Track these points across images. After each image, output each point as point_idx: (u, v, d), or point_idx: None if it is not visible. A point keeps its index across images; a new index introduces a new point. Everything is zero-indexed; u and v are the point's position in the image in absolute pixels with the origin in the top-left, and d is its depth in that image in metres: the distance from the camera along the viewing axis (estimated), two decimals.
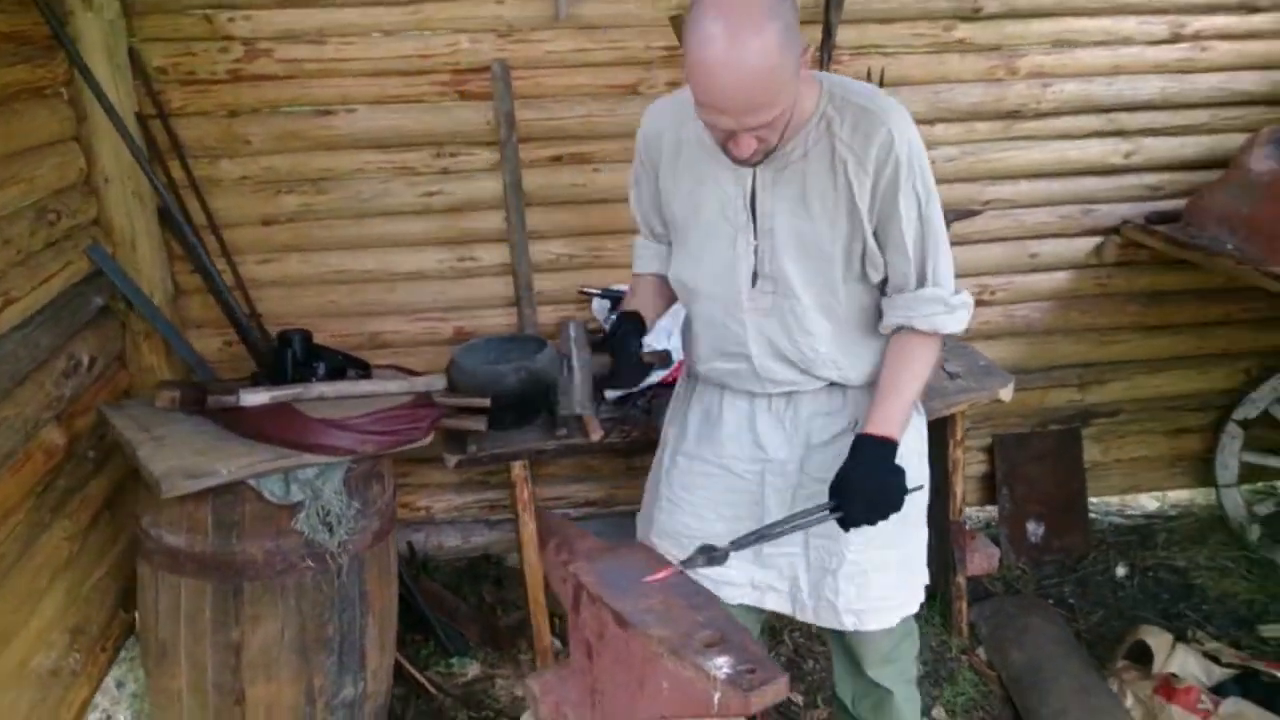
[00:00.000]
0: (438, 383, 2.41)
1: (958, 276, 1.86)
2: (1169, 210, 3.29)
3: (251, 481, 2.18)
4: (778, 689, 1.51)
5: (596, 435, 2.66)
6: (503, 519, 3.38)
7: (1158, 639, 2.84)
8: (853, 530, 1.89)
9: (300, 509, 2.20)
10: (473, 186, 3.00)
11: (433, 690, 2.94)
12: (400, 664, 2.85)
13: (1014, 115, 3.14)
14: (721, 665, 1.53)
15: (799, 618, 2.04)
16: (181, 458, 2.17)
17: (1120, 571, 3.43)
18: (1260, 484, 3.74)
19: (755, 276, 1.86)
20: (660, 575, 1.74)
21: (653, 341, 2.87)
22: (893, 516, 1.88)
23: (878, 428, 1.81)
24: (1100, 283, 3.41)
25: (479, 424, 2.41)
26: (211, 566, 2.25)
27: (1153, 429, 3.63)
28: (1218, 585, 3.33)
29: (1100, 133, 3.21)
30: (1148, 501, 3.84)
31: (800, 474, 1.98)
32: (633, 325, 2.00)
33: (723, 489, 2.02)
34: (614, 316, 2.09)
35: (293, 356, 2.39)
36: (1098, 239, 3.36)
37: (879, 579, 1.97)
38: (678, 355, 2.86)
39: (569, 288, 3.09)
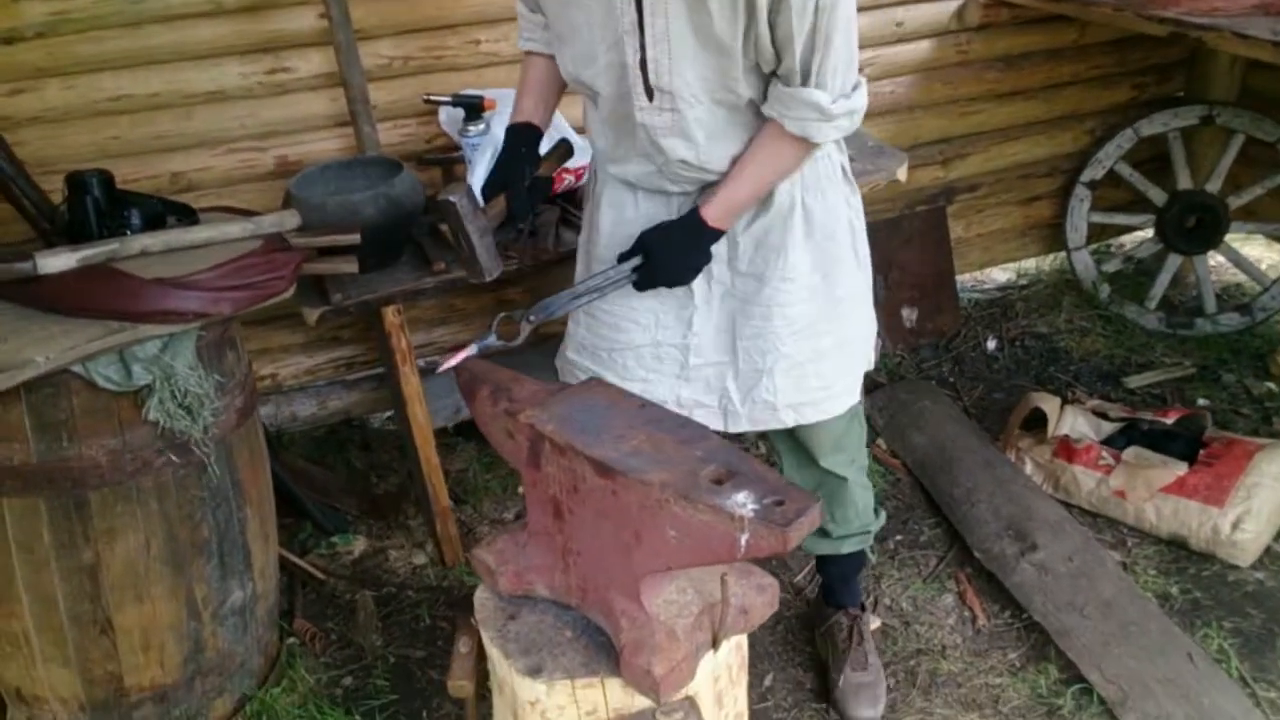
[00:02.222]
0: (289, 221, 1.96)
1: None
2: None
3: (77, 368, 1.71)
4: (813, 518, 1.32)
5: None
6: (361, 377, 2.99)
7: (1049, 404, 2.89)
8: (781, 321, 1.85)
9: (150, 394, 1.76)
10: None
11: (320, 575, 2.62)
12: (279, 554, 2.49)
13: None
14: (744, 502, 1.32)
15: (731, 429, 1.94)
16: None
17: (990, 345, 3.48)
18: (1105, 242, 3.87)
19: (650, 91, 1.68)
20: (452, 361, 1.62)
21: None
22: (823, 300, 1.87)
23: (712, 215, 1.74)
24: (961, 49, 3.28)
25: (350, 265, 2.01)
26: (41, 480, 1.79)
27: (1007, 200, 3.64)
28: (1080, 345, 3.45)
29: None
30: (999, 274, 3.91)
31: (729, 269, 1.86)
32: (521, 147, 1.82)
33: (643, 294, 1.84)
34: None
35: (94, 206, 1.86)
36: (959, 1, 3.20)
37: (815, 369, 1.90)
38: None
39: (409, 97, 2.63)
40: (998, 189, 3.58)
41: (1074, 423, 2.86)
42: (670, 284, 1.80)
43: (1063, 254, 3.74)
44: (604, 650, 1.53)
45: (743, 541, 1.31)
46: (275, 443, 2.87)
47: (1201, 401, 3.10)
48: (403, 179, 2.29)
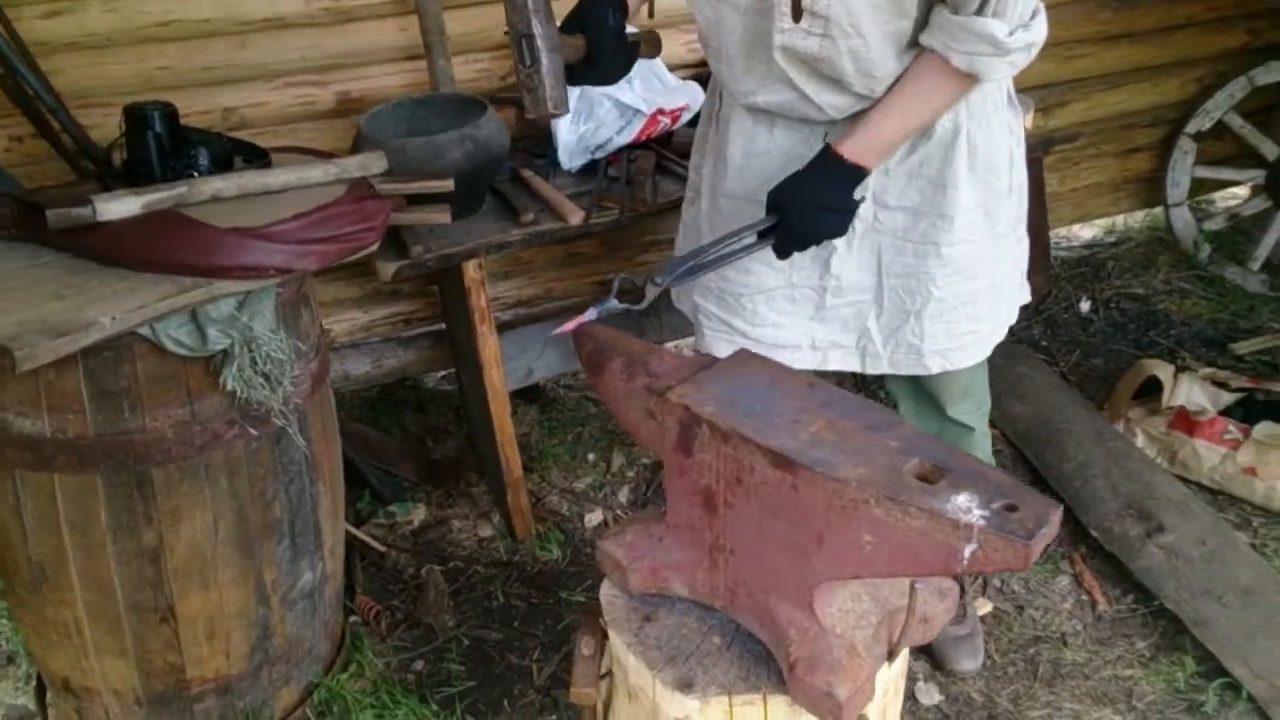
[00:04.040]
0: (376, 164, 1.72)
1: None
2: None
3: (144, 330, 1.48)
4: (1054, 528, 1.11)
5: (576, 219, 2.08)
6: (419, 334, 2.76)
7: (1164, 372, 2.68)
8: (936, 261, 1.67)
9: (228, 361, 1.53)
10: None
11: (380, 548, 2.42)
12: None
13: None
14: (968, 506, 1.10)
15: (868, 372, 1.81)
16: (31, 306, 1.43)
17: (1084, 307, 3.26)
18: (1202, 198, 3.62)
19: (797, 11, 1.46)
20: (568, 326, 1.41)
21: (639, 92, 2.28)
22: (983, 238, 1.69)
23: (851, 150, 1.51)
24: None
25: (442, 215, 1.77)
26: (98, 454, 1.57)
27: (1106, 151, 3.40)
28: (1180, 308, 3.23)
29: None
30: (1085, 231, 3.68)
31: (874, 203, 1.67)
32: None
33: None
34: None
35: (157, 143, 1.62)
36: None
37: (967, 311, 1.75)
38: (644, 107, 2.29)
39: (486, 29, 2.37)
40: (1097, 139, 3.34)
41: (1189, 393, 2.64)
42: (815, 243, 1.58)
43: (1155, 210, 3.51)
44: (761, 661, 1.34)
45: (966, 553, 1.10)
46: None
47: None
48: (489, 119, 2.05)
